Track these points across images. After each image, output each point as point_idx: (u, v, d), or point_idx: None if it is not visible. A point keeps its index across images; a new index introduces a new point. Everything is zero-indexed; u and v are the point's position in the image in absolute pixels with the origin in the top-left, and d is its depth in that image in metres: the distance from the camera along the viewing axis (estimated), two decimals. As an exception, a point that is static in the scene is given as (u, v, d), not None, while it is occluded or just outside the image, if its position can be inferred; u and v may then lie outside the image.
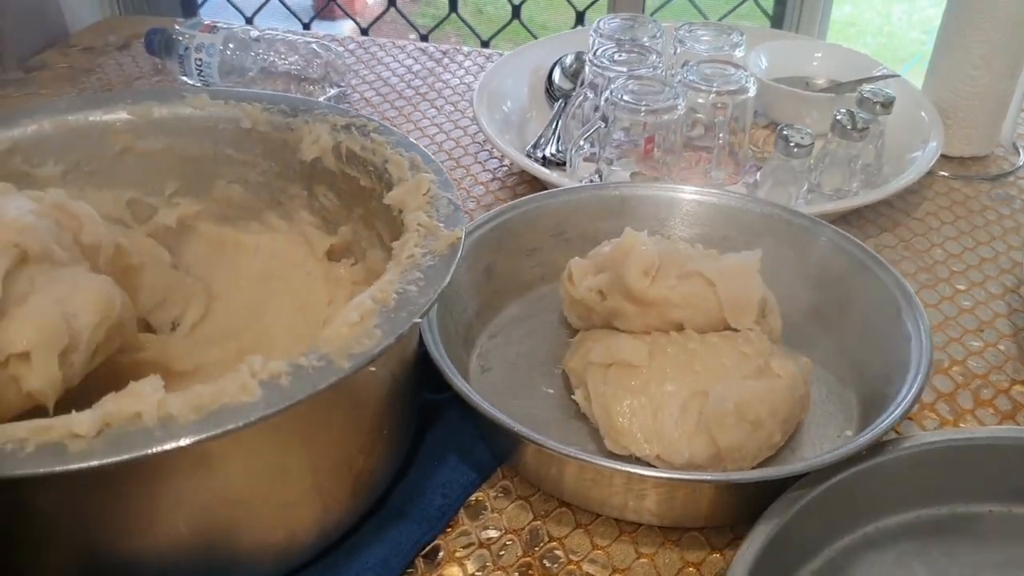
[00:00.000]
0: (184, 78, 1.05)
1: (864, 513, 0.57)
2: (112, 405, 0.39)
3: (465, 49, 1.19)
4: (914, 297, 0.64)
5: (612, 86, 0.85)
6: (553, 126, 0.96)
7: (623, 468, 0.53)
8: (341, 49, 1.17)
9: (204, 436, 0.39)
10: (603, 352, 0.61)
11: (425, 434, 0.63)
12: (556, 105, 1.00)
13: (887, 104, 0.85)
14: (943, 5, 0.95)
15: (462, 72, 1.13)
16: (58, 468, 0.37)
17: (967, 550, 0.57)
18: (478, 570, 0.55)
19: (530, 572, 0.55)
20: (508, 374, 0.68)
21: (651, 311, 0.62)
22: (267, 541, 0.50)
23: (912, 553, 0.57)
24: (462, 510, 0.59)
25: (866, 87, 0.87)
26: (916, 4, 3.60)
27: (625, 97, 0.84)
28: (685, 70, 0.89)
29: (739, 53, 0.94)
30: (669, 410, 0.58)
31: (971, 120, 0.96)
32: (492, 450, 0.62)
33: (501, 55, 1.11)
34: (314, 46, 1.03)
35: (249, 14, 1.58)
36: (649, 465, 0.58)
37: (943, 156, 0.95)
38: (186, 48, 1.03)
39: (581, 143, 0.88)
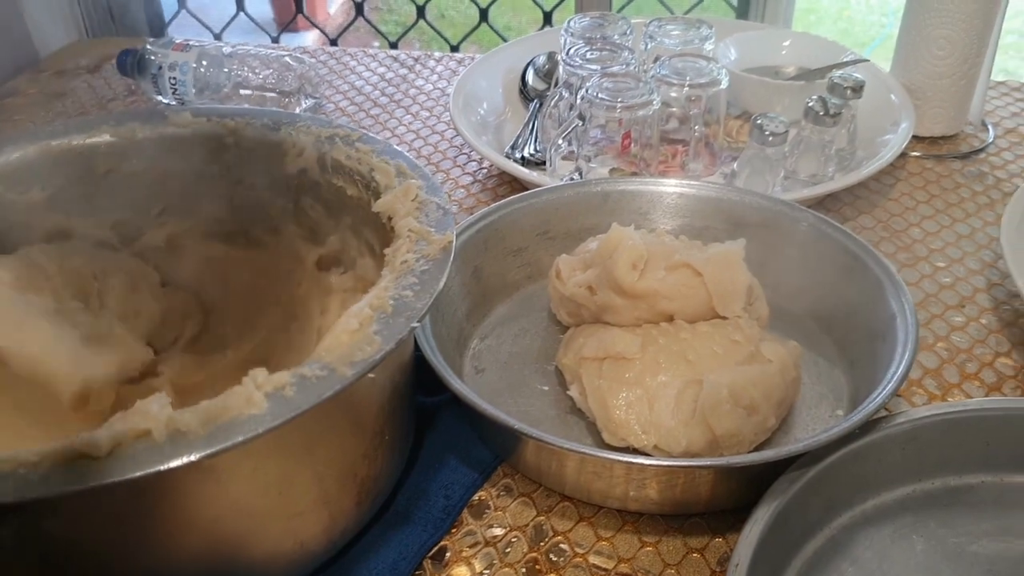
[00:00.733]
0: (158, 97, 1.05)
1: (861, 490, 0.58)
2: (121, 424, 0.40)
3: (436, 54, 1.20)
4: (896, 276, 0.65)
5: (587, 84, 0.86)
6: (530, 126, 0.97)
7: (624, 459, 0.54)
8: (313, 60, 1.17)
9: (214, 450, 0.40)
10: (596, 346, 0.62)
11: (423, 437, 0.64)
12: (531, 106, 1.01)
13: (857, 88, 0.87)
14: (905, -12, 0.97)
15: (435, 77, 1.14)
16: (71, 488, 0.38)
17: (963, 520, 0.59)
18: (485, 568, 0.56)
19: (537, 567, 0.56)
20: (502, 374, 0.69)
21: (641, 304, 0.63)
22: (277, 551, 0.50)
23: (909, 526, 0.58)
24: (466, 510, 0.59)
25: (836, 73, 0.89)
26: (875, -13, 3.64)
27: (600, 95, 0.85)
28: (657, 65, 0.90)
29: (709, 46, 0.96)
30: (665, 400, 0.59)
31: (940, 100, 0.97)
32: (492, 449, 0.63)
33: (473, 59, 1.11)
34: (286, 59, 1.03)
35: (217, 30, 1.58)
36: (648, 455, 0.59)
37: (915, 137, 0.97)
38: (159, 67, 1.03)
39: (559, 142, 0.89)
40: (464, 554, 0.57)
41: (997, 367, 0.70)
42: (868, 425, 0.57)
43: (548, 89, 1.02)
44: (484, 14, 1.42)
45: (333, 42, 1.52)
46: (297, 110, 1.02)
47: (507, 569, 0.56)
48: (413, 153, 0.99)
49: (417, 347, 0.60)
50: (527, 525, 0.58)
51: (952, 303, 0.77)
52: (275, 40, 1.56)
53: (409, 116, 1.06)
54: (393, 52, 1.21)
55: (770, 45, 1.04)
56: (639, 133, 0.86)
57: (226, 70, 1.02)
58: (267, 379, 0.43)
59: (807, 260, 0.71)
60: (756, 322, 0.64)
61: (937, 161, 0.96)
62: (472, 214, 0.75)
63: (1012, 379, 0.69)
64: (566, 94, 0.92)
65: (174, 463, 0.39)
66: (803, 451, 0.54)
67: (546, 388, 0.67)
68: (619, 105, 0.84)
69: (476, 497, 0.60)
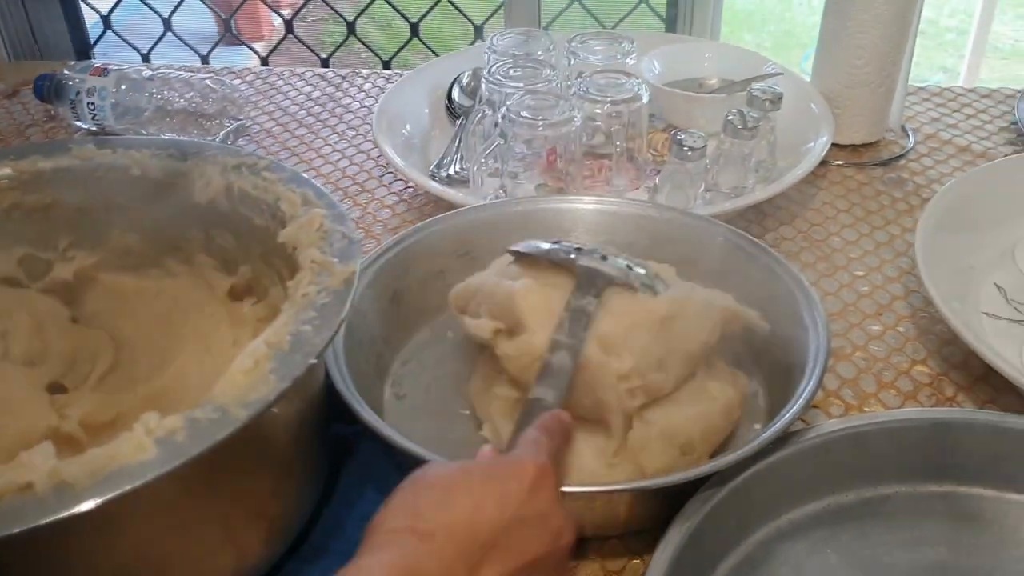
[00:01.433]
0: (78, 123, 1.03)
1: (776, 505, 0.59)
2: (2, 478, 0.39)
3: (364, 72, 1.19)
4: (809, 288, 0.66)
5: (508, 102, 0.86)
6: (456, 144, 0.97)
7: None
8: (238, 82, 1.16)
9: (100, 501, 0.39)
10: (508, 387, 0.61)
11: (341, 467, 0.63)
12: (458, 123, 1.00)
13: (776, 101, 0.88)
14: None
15: (362, 95, 1.13)
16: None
17: (877, 532, 0.59)
18: (403, 600, 0.55)
19: (454, 596, 0.55)
20: (423, 399, 0.68)
21: None
22: (185, 594, 0.50)
23: (824, 540, 0.59)
24: (384, 540, 0.59)
25: (755, 85, 0.89)
26: (814, -10, 3.69)
27: (523, 113, 0.85)
28: (580, 82, 0.90)
29: (631, 61, 0.96)
30: (591, 440, 0.58)
31: (859, 108, 0.99)
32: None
33: (401, 75, 1.11)
34: (208, 82, 1.02)
35: (145, 50, 1.56)
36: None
37: (836, 145, 0.98)
38: (77, 93, 1.01)
39: (483, 160, 0.88)
40: (381, 586, 0.56)
41: (913, 375, 0.71)
42: (780, 440, 0.58)
43: (474, 106, 1.02)
44: (415, 29, 1.41)
45: (264, 61, 1.51)
46: (220, 133, 1.01)
47: (424, 600, 0.55)
48: (338, 173, 0.98)
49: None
50: (445, 553, 0.58)
51: (870, 312, 0.77)
52: (205, 59, 1.54)
53: (335, 135, 1.05)
54: (320, 70, 1.20)
55: (693, 57, 1.05)
56: (564, 148, 0.86)
57: (147, 94, 1.00)
58: (158, 424, 0.42)
59: (724, 274, 0.71)
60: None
61: (858, 169, 0.97)
62: (396, 234, 0.75)
63: (927, 386, 0.70)
64: (489, 112, 0.92)
65: (54, 517, 0.38)
66: (713, 471, 0.54)
67: (467, 412, 0.67)
68: (541, 123, 0.84)
69: (394, 526, 0.60)
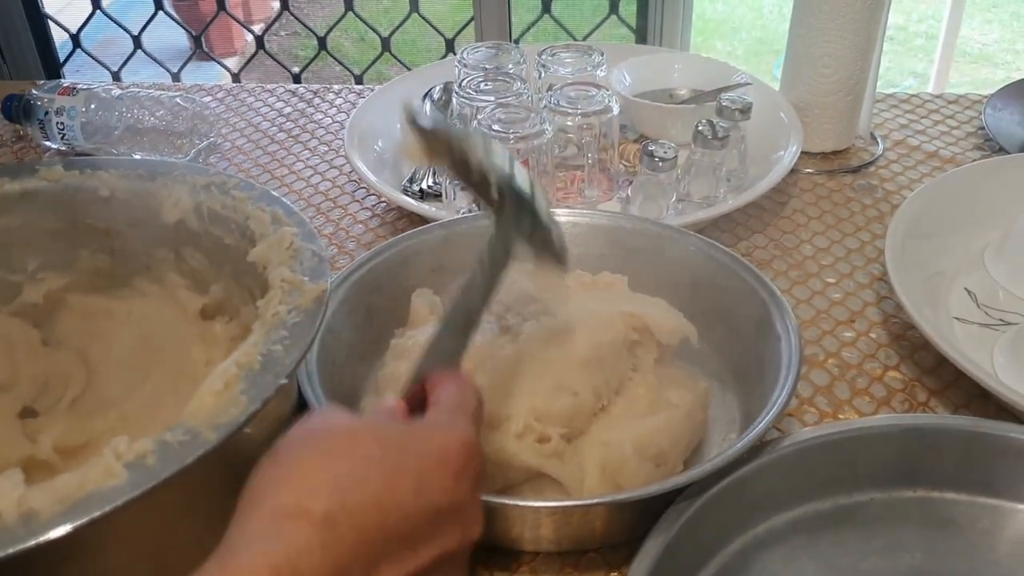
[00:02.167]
0: (47, 143, 1.03)
1: (752, 515, 0.59)
2: (-32, 508, 0.38)
3: (336, 87, 1.19)
4: (780, 297, 0.66)
5: (480, 116, 0.86)
6: (428, 158, 0.97)
7: (514, 503, 0.54)
8: (209, 99, 1.16)
9: (69, 528, 0.38)
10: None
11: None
12: (430, 137, 1.00)
13: (745, 111, 0.88)
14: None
15: (333, 111, 1.13)
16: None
17: (853, 539, 0.59)
18: (380, 619, 0.55)
19: (432, 614, 0.55)
20: (398, 415, 0.68)
21: None
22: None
23: (801, 548, 0.59)
24: (360, 559, 0.58)
25: (724, 95, 0.90)
26: (785, -3, 3.72)
27: (494, 126, 0.85)
28: (550, 94, 0.91)
29: (601, 73, 0.96)
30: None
31: (828, 116, 0.99)
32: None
33: (372, 90, 1.11)
34: (178, 99, 1.01)
35: (116, 68, 1.55)
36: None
37: (806, 153, 0.99)
38: (46, 113, 1.00)
39: (455, 174, 0.88)
40: (358, 605, 0.56)
41: (887, 381, 0.72)
42: (755, 450, 0.58)
43: (446, 120, 1.02)
44: (386, 43, 1.42)
45: (235, 77, 1.50)
46: (192, 151, 1.00)
47: (402, 618, 0.55)
48: (310, 189, 0.98)
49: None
50: (423, 571, 0.58)
51: (842, 319, 0.78)
52: (176, 76, 1.54)
53: (307, 151, 1.05)
54: (292, 86, 1.20)
55: (663, 68, 1.06)
56: (536, 160, 0.86)
57: (117, 113, 1.00)
58: (128, 448, 0.42)
59: (696, 284, 0.72)
60: (657, 357, 0.64)
61: (829, 176, 0.98)
62: (369, 249, 0.74)
63: (901, 392, 0.71)
64: (460, 125, 0.92)
65: (22, 546, 0.37)
66: (689, 482, 0.54)
67: (443, 427, 0.66)
68: (512, 136, 0.84)
69: (371, 545, 0.59)
